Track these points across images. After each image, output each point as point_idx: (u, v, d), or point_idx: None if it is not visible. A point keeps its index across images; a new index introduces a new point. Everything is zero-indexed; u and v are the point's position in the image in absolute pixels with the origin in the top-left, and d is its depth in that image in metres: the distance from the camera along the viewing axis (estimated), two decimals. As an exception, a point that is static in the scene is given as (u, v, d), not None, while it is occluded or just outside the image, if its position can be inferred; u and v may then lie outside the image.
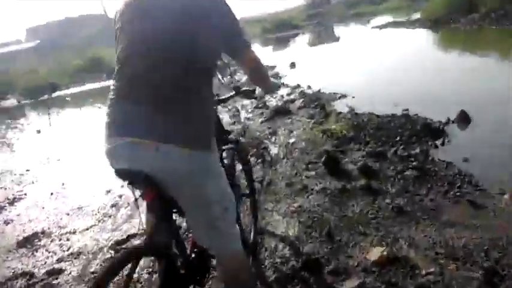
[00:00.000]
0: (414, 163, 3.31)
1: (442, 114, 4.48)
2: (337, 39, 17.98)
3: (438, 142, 3.83)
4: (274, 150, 4.36)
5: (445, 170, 3.21)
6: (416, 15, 17.62)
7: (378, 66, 8.59)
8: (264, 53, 17.04)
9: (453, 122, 4.32)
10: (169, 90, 1.44)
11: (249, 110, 6.69)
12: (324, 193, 3.08)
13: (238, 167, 2.50)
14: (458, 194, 2.83)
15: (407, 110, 4.93)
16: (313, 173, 3.47)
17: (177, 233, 1.78)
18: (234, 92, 2.26)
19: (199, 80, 1.49)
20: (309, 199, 3.04)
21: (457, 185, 2.94)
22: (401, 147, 3.72)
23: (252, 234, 2.59)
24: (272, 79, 2.17)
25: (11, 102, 16.23)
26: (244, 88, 2.28)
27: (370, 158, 3.54)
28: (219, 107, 2.28)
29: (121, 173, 1.50)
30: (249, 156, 4.12)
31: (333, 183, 3.20)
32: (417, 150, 3.62)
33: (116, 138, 1.47)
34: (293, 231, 2.65)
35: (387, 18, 20.56)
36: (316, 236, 2.54)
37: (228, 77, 10.29)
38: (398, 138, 3.92)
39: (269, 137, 4.87)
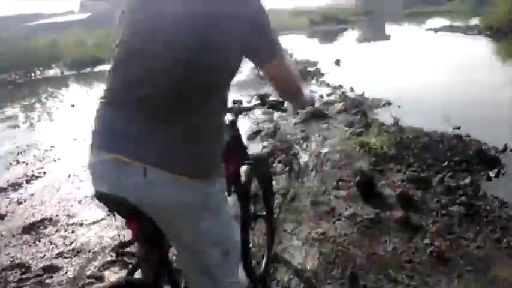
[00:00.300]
0: (462, 198, 2.87)
1: (498, 139, 3.97)
2: (387, 37, 17.19)
3: (492, 173, 3.35)
4: (303, 158, 4.00)
5: (498, 211, 2.75)
6: (475, 21, 16.52)
7: (429, 73, 7.97)
8: (309, 46, 16.54)
9: (511, 150, 3.80)
10: (168, 102, 1.14)
11: (285, 108, 6.32)
12: (354, 221, 2.70)
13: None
14: (513, 244, 2.39)
15: (459, 128, 4.45)
16: (343, 193, 3.09)
17: (169, 263, 1.50)
18: (258, 102, 1.93)
19: (208, 91, 1.17)
20: (335, 226, 2.68)
21: (511, 233, 2.50)
22: (449, 174, 3.27)
23: (264, 260, 2.27)
24: (307, 93, 1.82)
25: (54, 72, 16.57)
26: (272, 98, 1.94)
27: (412, 184, 3.12)
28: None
29: (100, 196, 1.23)
30: (273, 167, 3.81)
31: (365, 210, 2.82)
32: (467, 181, 3.15)
33: (99, 152, 1.19)
34: (312, 264, 2.31)
35: (443, 22, 19.46)
36: (337, 276, 2.19)
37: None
38: (446, 163, 3.46)
39: (301, 142, 4.50)
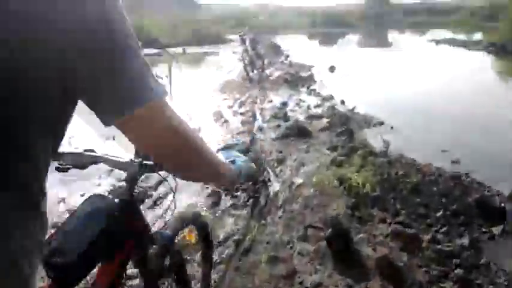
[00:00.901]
0: (457, 270, 2.25)
1: (503, 180, 3.38)
2: (389, 44, 16.65)
3: (496, 230, 2.74)
4: (274, 187, 3.37)
5: (503, 291, 2.15)
6: (478, 36, 16.03)
7: (428, 91, 7.37)
8: (308, 48, 15.92)
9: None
10: None
11: (267, 118, 5.68)
12: (317, 295, 2.08)
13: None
14: None
15: (457, 162, 3.87)
16: (311, 247, 2.46)
17: None
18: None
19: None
20: (292, 301, 2.06)
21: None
22: (443, 229, 2.66)
23: None
24: (237, 159, 1.07)
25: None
26: None
27: (396, 242, 2.50)
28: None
29: None
30: (236, 197, 3.19)
31: (334, 278, 2.19)
32: (465, 241, 2.55)
33: None
34: None
35: (446, 33, 18.89)
36: None
37: (259, 70, 9.19)
38: (440, 213, 2.85)
39: (275, 165, 3.87)
